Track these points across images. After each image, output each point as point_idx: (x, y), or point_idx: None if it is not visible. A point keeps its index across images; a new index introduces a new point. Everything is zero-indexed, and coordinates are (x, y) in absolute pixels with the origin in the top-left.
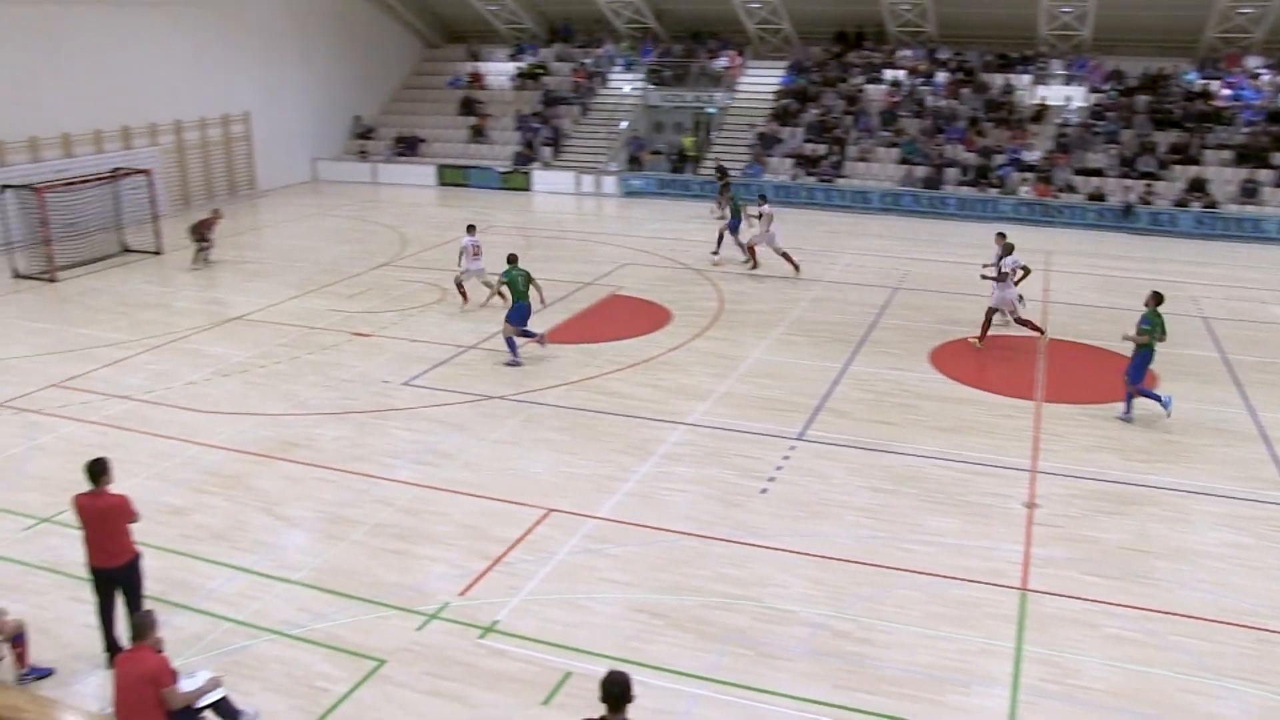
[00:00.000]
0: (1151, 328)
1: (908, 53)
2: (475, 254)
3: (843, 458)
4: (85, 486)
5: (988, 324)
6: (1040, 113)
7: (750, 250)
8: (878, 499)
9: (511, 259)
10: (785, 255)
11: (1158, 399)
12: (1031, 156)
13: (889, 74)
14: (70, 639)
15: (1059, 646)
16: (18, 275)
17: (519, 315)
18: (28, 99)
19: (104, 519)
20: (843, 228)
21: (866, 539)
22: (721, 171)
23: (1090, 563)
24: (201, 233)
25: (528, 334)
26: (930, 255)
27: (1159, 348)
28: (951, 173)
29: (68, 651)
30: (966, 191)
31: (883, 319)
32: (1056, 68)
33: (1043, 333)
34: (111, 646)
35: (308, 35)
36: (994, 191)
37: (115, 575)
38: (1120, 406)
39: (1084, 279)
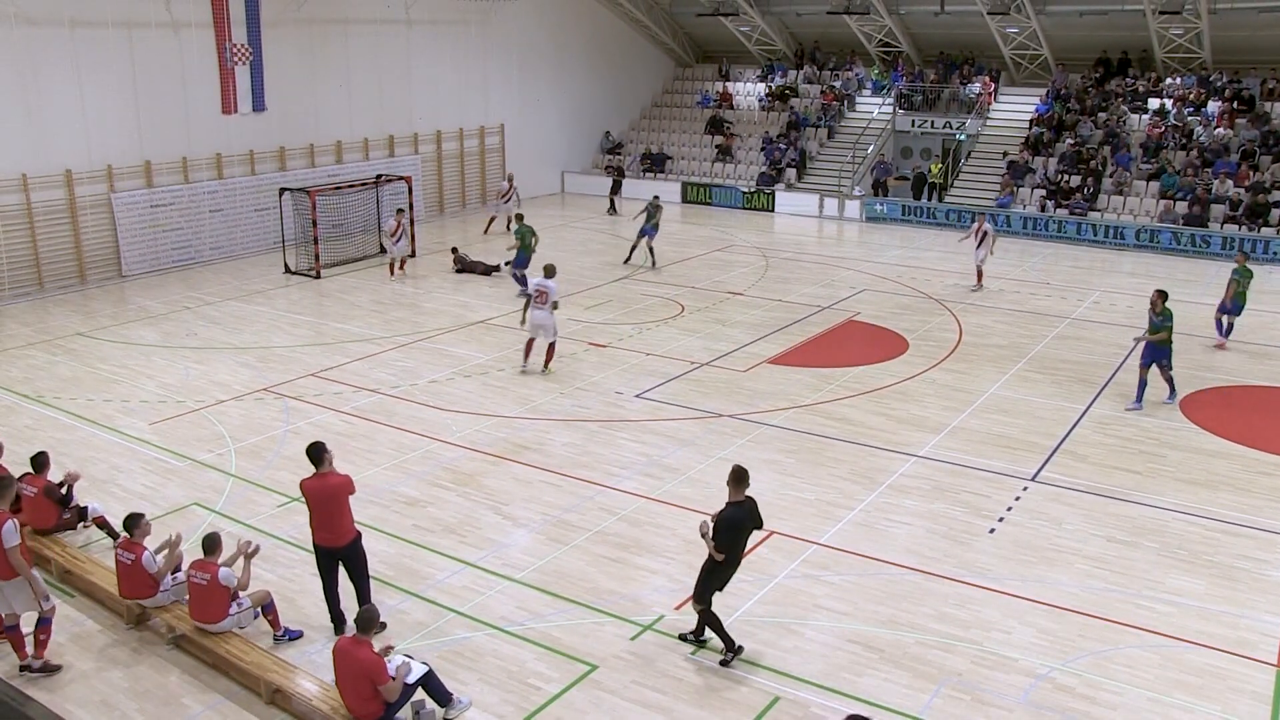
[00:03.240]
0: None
1: (1176, 80)
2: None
3: (1078, 503)
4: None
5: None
6: None
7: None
8: (1113, 549)
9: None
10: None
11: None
12: None
13: (1154, 102)
14: (311, 610)
15: None
16: (288, 271)
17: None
18: (308, 109)
19: (330, 499)
20: (1094, 264)
21: (1099, 591)
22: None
23: None
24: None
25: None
26: (1188, 297)
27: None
28: (1218, 209)
29: (308, 622)
30: (1234, 230)
31: (1131, 361)
32: None
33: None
34: (337, 619)
35: (563, 52)
36: (1266, 231)
37: (339, 553)
38: None
39: None
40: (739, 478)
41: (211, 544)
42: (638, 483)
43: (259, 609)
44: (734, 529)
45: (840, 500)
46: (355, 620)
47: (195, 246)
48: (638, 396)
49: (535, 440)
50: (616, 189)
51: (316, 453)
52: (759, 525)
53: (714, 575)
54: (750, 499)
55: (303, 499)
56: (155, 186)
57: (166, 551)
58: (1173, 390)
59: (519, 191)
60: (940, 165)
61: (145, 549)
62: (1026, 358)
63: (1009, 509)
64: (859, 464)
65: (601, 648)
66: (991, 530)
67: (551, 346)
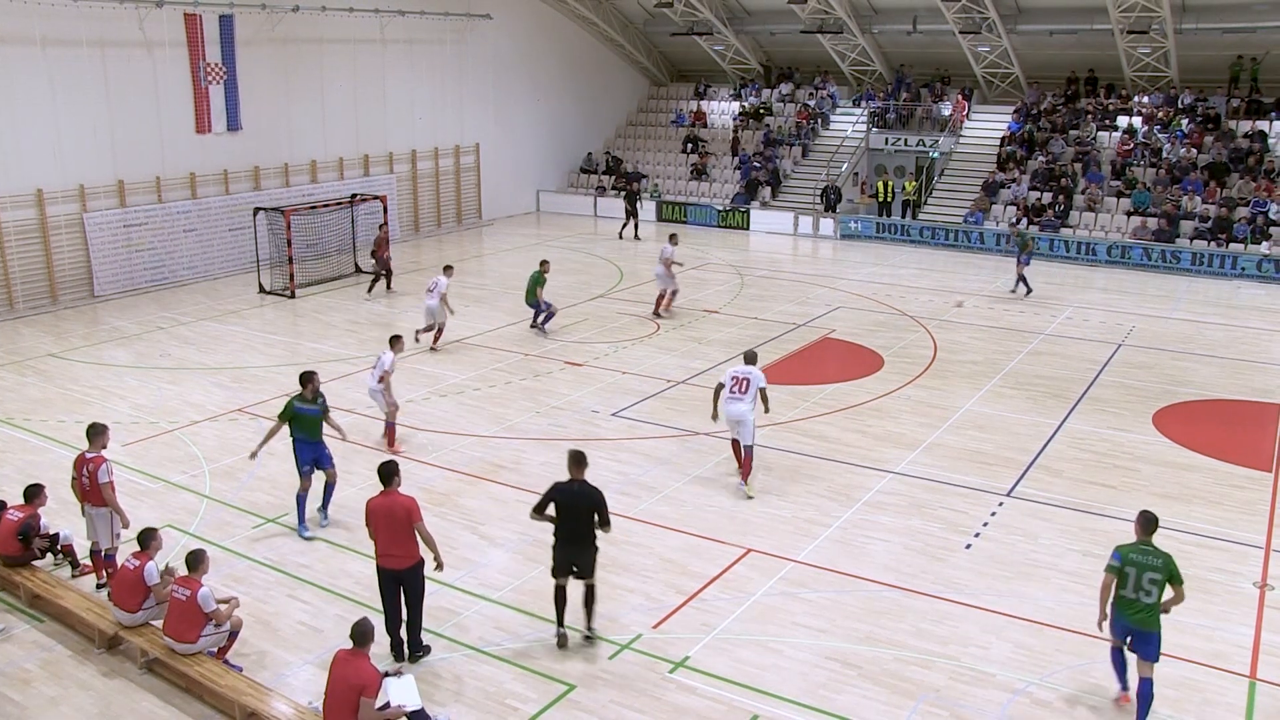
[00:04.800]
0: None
1: (1145, 99)
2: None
3: (1053, 518)
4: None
5: None
6: None
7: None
8: (1089, 564)
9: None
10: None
11: None
12: None
13: (1123, 120)
14: (286, 633)
15: None
16: (262, 291)
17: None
18: (283, 129)
19: (393, 520)
20: (1066, 279)
21: (1075, 605)
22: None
23: None
24: (379, 256)
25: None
26: (1159, 311)
27: None
28: (1187, 226)
29: (283, 645)
30: (1203, 246)
31: (1104, 376)
32: None
33: None
34: (396, 645)
35: (538, 71)
36: (1234, 246)
37: (401, 577)
38: None
39: None
40: (577, 461)
41: (195, 560)
42: (614, 501)
43: (232, 633)
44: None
45: (817, 517)
46: (351, 634)
47: (169, 266)
48: (614, 415)
49: (511, 459)
50: (633, 209)
51: (388, 471)
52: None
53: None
54: (588, 484)
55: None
56: (129, 206)
57: (168, 572)
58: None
59: None
60: (914, 183)
61: (150, 559)
62: (1001, 373)
63: (985, 524)
64: (835, 481)
65: (579, 667)
66: (968, 546)
67: (749, 451)
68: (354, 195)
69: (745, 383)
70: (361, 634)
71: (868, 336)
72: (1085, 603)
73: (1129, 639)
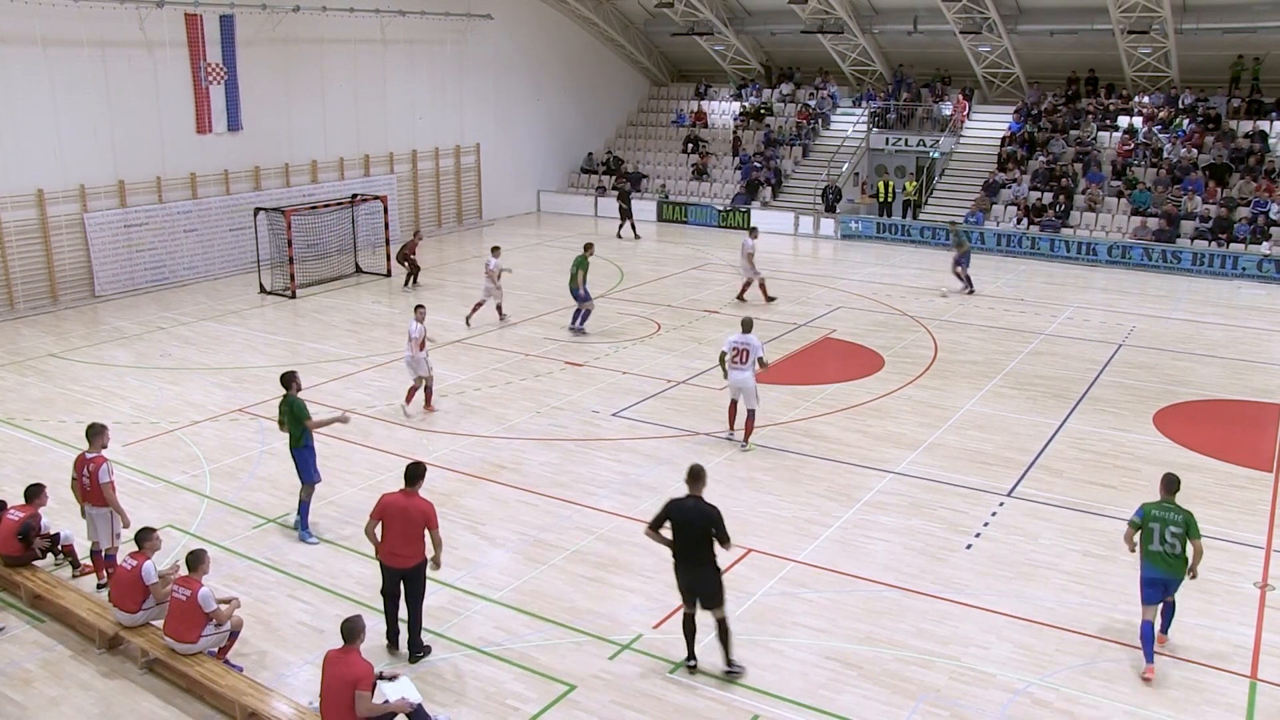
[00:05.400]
0: None
1: (1146, 99)
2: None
3: (1054, 518)
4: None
5: None
6: None
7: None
8: (1089, 564)
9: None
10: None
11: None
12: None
13: (1124, 120)
14: (286, 633)
15: None
16: (263, 291)
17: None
18: (284, 129)
19: (407, 520)
20: (1067, 280)
21: (1075, 605)
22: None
23: None
24: (407, 255)
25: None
26: (1160, 311)
27: None
28: (1188, 226)
29: (283, 645)
30: (1203, 246)
31: (1104, 376)
32: None
33: None
34: (394, 635)
35: (539, 72)
36: (1235, 246)
37: (405, 575)
38: None
39: None
40: (695, 476)
41: (196, 560)
42: (615, 501)
43: (233, 633)
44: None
45: (818, 517)
46: (341, 630)
47: (170, 266)
48: (614, 415)
49: (512, 460)
50: (628, 208)
51: (412, 471)
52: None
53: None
54: (702, 500)
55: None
56: (129, 206)
57: (169, 573)
58: None
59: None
60: (915, 183)
61: (148, 559)
62: (1001, 374)
63: (985, 524)
64: (836, 481)
65: (580, 667)
66: (968, 546)
67: (751, 414)
68: (354, 195)
69: (745, 352)
70: (351, 630)
71: (868, 336)
72: (1086, 603)
73: (1165, 589)
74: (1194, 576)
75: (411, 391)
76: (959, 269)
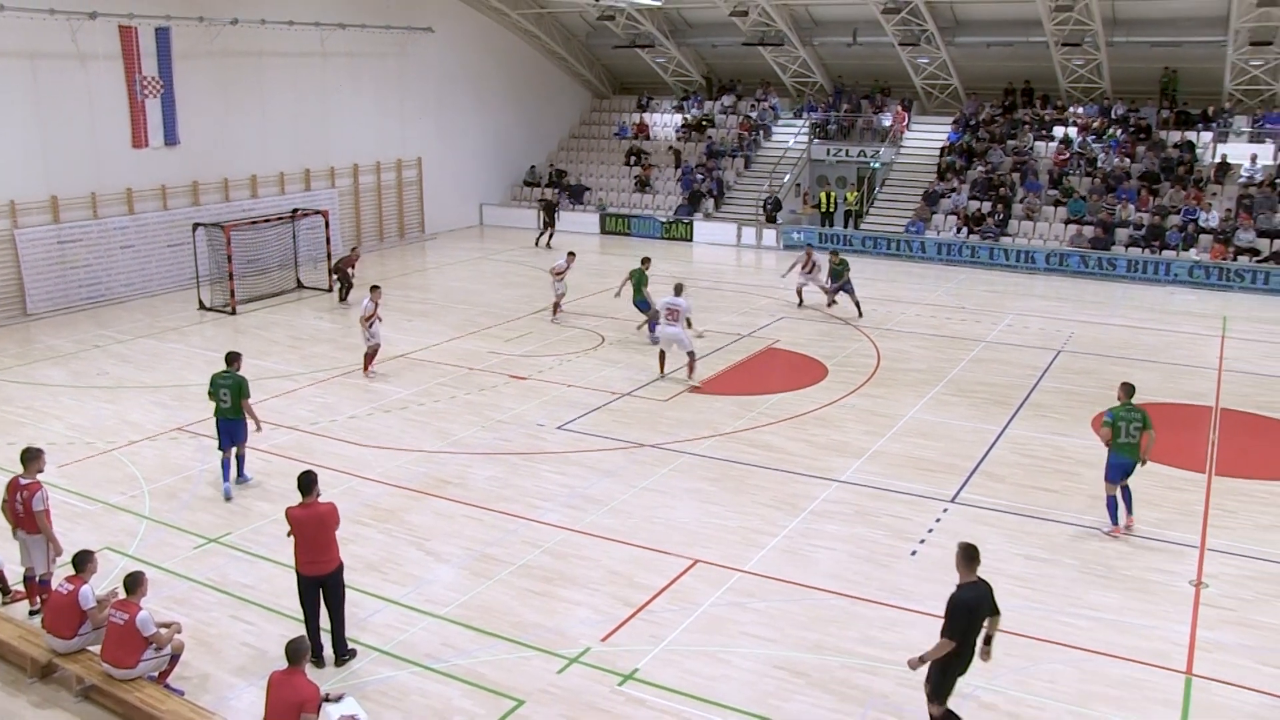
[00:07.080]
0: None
1: (1080, 110)
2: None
3: (997, 523)
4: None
5: None
6: (1221, 172)
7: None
8: (1033, 568)
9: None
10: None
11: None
12: (1209, 218)
13: (1060, 131)
14: (229, 655)
15: None
16: (202, 307)
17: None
18: (223, 143)
19: (317, 528)
20: (1006, 287)
21: (1019, 609)
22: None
23: (1265, 651)
24: (343, 270)
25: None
26: (1097, 318)
27: None
28: (1122, 233)
29: (226, 667)
30: (1137, 253)
31: (1044, 382)
32: (1242, 125)
33: None
34: (318, 651)
35: (481, 84)
36: (1167, 253)
37: (322, 581)
38: None
39: (1263, 347)
40: (969, 556)
41: (134, 583)
42: (561, 514)
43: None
44: (969, 613)
45: (763, 527)
46: (286, 651)
47: (106, 284)
48: (559, 428)
49: (457, 474)
50: (551, 220)
51: (308, 481)
52: (995, 612)
53: (950, 669)
54: (984, 581)
55: (289, 526)
56: (63, 222)
57: (107, 598)
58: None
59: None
60: (856, 193)
61: (85, 583)
62: (944, 381)
63: (930, 531)
64: (781, 490)
65: (528, 682)
66: (913, 552)
67: (691, 356)
68: (295, 210)
69: (676, 312)
70: (296, 651)
71: (811, 346)
72: (1031, 606)
73: (1125, 472)
74: (1143, 464)
75: (367, 359)
76: (832, 294)
